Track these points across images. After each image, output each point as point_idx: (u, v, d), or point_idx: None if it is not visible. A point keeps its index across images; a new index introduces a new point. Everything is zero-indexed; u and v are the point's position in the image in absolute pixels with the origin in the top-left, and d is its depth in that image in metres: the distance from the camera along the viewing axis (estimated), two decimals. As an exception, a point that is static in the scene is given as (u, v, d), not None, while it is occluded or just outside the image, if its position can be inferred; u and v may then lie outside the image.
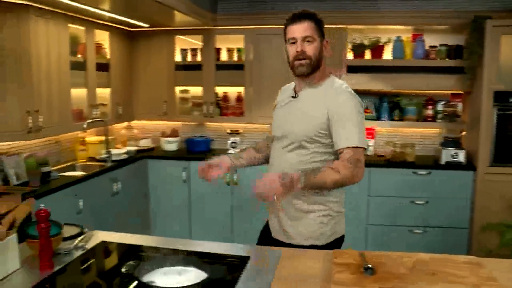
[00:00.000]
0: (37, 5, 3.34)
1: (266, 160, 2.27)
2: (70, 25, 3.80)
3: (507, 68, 4.01)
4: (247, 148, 2.38)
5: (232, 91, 4.92)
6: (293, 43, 1.98)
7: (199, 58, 4.86)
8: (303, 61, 1.97)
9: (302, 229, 2.06)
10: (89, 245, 1.85)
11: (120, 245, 1.91)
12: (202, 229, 4.65)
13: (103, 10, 3.75)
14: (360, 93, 4.59)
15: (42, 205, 1.59)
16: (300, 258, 1.81)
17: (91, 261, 1.76)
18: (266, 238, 2.20)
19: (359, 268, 1.63)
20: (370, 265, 1.62)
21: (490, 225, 4.05)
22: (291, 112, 2.07)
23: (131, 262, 1.65)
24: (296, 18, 1.98)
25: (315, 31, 1.98)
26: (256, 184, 1.79)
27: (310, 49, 1.96)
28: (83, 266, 1.71)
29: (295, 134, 2.02)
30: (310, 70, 1.99)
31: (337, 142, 1.95)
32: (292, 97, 2.10)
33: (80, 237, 1.91)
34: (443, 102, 4.55)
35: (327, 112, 1.95)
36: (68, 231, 1.95)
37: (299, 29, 1.96)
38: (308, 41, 1.96)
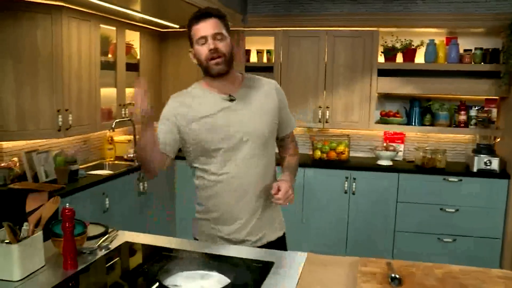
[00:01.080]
0: (70, 6, 3.39)
1: (156, 163, 1.92)
2: (101, 25, 3.85)
3: (545, 73, 3.87)
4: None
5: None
6: (203, 43, 1.81)
7: (228, 59, 4.85)
8: (218, 59, 1.81)
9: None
10: (113, 245, 1.85)
11: (143, 246, 1.90)
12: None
13: (134, 10, 3.78)
14: (391, 97, 4.63)
15: (68, 204, 1.59)
16: (324, 264, 1.77)
17: (114, 261, 1.75)
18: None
19: (385, 278, 1.58)
20: (397, 275, 1.56)
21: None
22: (240, 115, 1.88)
23: (154, 264, 1.63)
24: (201, 16, 1.81)
25: (224, 28, 1.84)
26: (279, 195, 1.79)
27: (223, 46, 1.81)
28: (106, 266, 1.70)
29: (258, 133, 1.89)
30: (227, 67, 1.85)
31: (287, 127, 2.07)
32: (230, 100, 1.88)
33: (104, 237, 1.91)
34: (477, 108, 4.42)
35: (278, 102, 1.98)
36: (93, 230, 1.95)
37: (208, 26, 1.80)
38: (219, 39, 1.81)
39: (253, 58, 4.85)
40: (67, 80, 3.44)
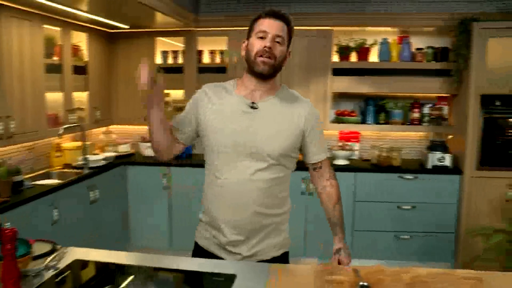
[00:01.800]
0: (9, 4, 3.17)
1: (163, 146, 1.93)
2: (45, 25, 3.63)
3: (494, 71, 3.96)
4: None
5: (215, 95, 4.76)
6: (262, 37, 1.77)
7: (180, 60, 4.73)
8: (268, 60, 1.77)
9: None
10: (62, 264, 1.70)
11: (95, 264, 1.77)
12: (183, 238, 4.48)
13: (81, 10, 3.59)
14: (346, 96, 4.63)
15: (8, 224, 1.45)
16: (291, 274, 1.70)
17: (63, 283, 1.61)
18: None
19: (354, 286, 1.52)
20: (366, 283, 1.51)
21: (476, 229, 4.00)
22: (256, 125, 1.81)
23: (107, 284, 1.51)
24: (274, 14, 1.79)
25: (287, 35, 1.82)
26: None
27: (279, 51, 1.78)
28: (55, 289, 1.57)
29: (268, 150, 1.80)
30: (271, 73, 1.81)
31: (316, 154, 1.94)
32: (252, 107, 1.83)
33: (52, 256, 1.76)
34: (429, 105, 4.49)
35: (303, 125, 1.87)
36: (39, 248, 1.80)
37: (274, 26, 1.77)
38: (278, 42, 1.78)
39: (206, 59, 4.73)
40: (8, 84, 3.22)
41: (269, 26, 1.77)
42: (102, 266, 1.74)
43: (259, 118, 1.82)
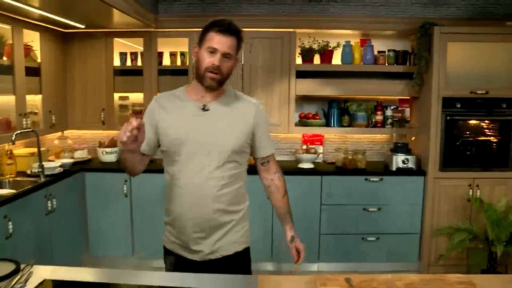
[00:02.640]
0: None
1: (137, 168, 1.95)
2: (-7, 23, 3.38)
3: (454, 74, 4.06)
4: None
5: (176, 98, 4.62)
6: (212, 52, 1.84)
7: (139, 62, 4.54)
8: (215, 76, 1.87)
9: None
10: (31, 286, 1.54)
11: (66, 284, 1.61)
12: (145, 246, 4.32)
13: (32, 6, 3.34)
14: (309, 98, 4.61)
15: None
16: (280, 284, 1.61)
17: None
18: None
19: (350, 296, 1.46)
20: (362, 292, 1.45)
21: (439, 229, 4.08)
22: (209, 125, 1.92)
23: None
24: (225, 30, 1.84)
25: (236, 49, 1.90)
26: (302, 259, 2.02)
27: (226, 66, 1.88)
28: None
29: (222, 147, 1.91)
30: (219, 86, 1.92)
31: (264, 150, 2.08)
32: (203, 109, 1.94)
33: (17, 277, 1.59)
34: (392, 108, 4.54)
35: (252, 122, 2.00)
36: (1, 268, 1.62)
37: (224, 43, 1.84)
38: (226, 57, 1.86)
39: (166, 61, 4.57)
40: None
41: (219, 43, 1.83)
42: (72, 286, 1.59)
43: (211, 119, 1.93)
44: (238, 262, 2.02)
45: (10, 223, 3.11)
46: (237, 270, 1.91)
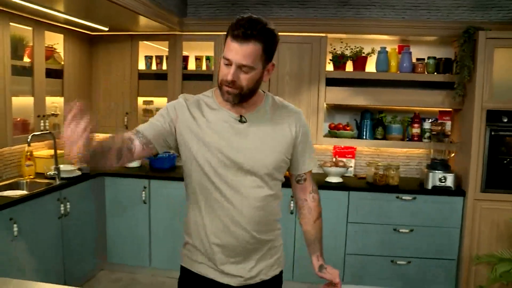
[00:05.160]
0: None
1: (115, 157, 1.55)
2: (13, 24, 3.36)
3: (500, 84, 3.66)
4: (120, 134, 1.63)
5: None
6: (227, 64, 1.57)
7: (164, 66, 4.43)
8: (231, 89, 1.58)
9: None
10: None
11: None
12: (163, 254, 4.19)
13: (58, 11, 3.33)
14: (340, 108, 4.32)
15: None
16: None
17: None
18: None
19: None
20: None
21: (480, 257, 3.68)
22: (247, 141, 1.66)
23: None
24: (241, 36, 1.51)
25: (258, 58, 1.56)
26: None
27: (244, 79, 1.57)
28: None
29: (261, 166, 1.67)
30: (238, 101, 1.62)
31: (301, 166, 1.83)
32: (240, 121, 1.67)
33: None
34: (431, 120, 4.17)
35: (294, 134, 1.76)
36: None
37: (239, 53, 1.53)
38: (244, 71, 1.56)
39: (191, 65, 4.44)
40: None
41: (234, 52, 1.53)
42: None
43: (250, 132, 1.67)
44: (274, 287, 1.85)
45: (15, 225, 3.05)
46: None
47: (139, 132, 1.64)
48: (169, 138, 1.68)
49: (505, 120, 3.65)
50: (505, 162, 3.72)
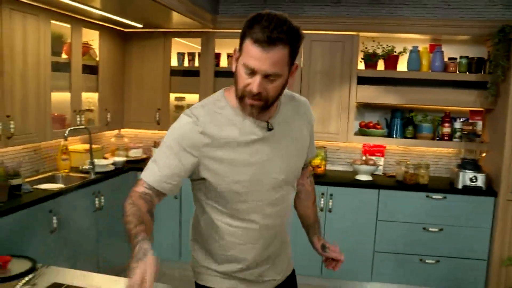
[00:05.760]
0: (13, -3, 2.99)
1: None
2: (53, 21, 3.44)
3: (535, 84, 3.63)
4: (139, 217, 1.47)
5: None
6: (249, 74, 1.35)
7: (196, 63, 4.49)
8: (256, 102, 1.39)
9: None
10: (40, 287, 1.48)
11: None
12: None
13: (93, 7, 3.40)
14: (371, 106, 4.33)
15: None
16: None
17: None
18: None
19: None
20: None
21: (510, 258, 3.66)
22: (278, 150, 1.53)
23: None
24: (268, 41, 1.30)
25: (285, 63, 1.37)
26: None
27: (271, 89, 1.38)
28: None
29: (293, 174, 1.62)
30: (263, 111, 1.44)
31: (308, 154, 1.74)
32: (268, 129, 1.49)
33: (28, 277, 1.54)
34: (462, 120, 4.16)
35: (308, 124, 1.68)
36: (17, 266, 1.59)
37: (267, 62, 1.32)
38: (271, 79, 1.36)
39: (223, 62, 4.49)
40: (8, 82, 3.01)
41: (259, 61, 1.31)
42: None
43: (275, 141, 1.52)
44: (294, 281, 1.84)
45: (54, 218, 3.15)
46: None
47: (150, 187, 1.51)
48: (186, 175, 1.52)
49: (539, 121, 3.63)
50: (537, 162, 3.71)
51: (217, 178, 1.48)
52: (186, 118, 1.47)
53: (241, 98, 1.40)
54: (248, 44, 1.32)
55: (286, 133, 1.55)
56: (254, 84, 1.34)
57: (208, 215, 1.59)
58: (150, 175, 1.49)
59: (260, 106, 1.40)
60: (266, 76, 1.34)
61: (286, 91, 1.54)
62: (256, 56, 1.31)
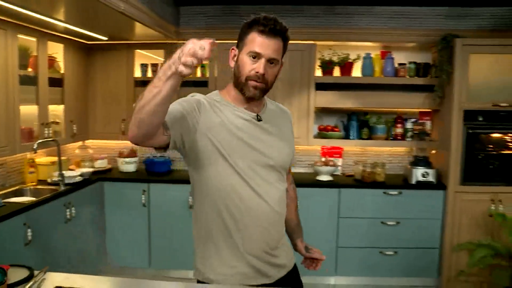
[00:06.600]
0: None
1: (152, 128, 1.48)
2: (20, 35, 3.47)
3: (476, 86, 4.00)
4: None
5: (195, 109, 4.66)
6: (255, 57, 1.60)
7: (160, 73, 4.58)
8: (259, 84, 1.62)
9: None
10: (45, 292, 1.56)
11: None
12: (162, 257, 4.33)
13: (59, 20, 3.44)
14: (328, 111, 4.59)
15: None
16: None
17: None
18: None
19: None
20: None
21: (460, 244, 3.99)
22: (268, 138, 1.72)
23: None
24: (270, 31, 1.59)
25: (280, 53, 1.66)
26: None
27: (271, 74, 1.64)
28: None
29: (281, 160, 1.75)
30: (262, 95, 1.69)
31: (293, 159, 1.91)
32: (257, 119, 1.71)
33: (30, 283, 1.61)
34: (413, 120, 4.49)
35: (292, 131, 1.90)
36: (14, 274, 1.64)
37: (270, 47, 1.60)
38: (271, 64, 1.62)
39: (187, 72, 4.60)
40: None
41: (264, 47, 1.59)
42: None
43: (266, 130, 1.73)
44: (296, 275, 1.93)
45: (29, 230, 3.16)
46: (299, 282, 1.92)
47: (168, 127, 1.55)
48: (187, 135, 1.59)
49: (481, 119, 4.00)
50: (480, 157, 4.06)
51: (213, 152, 1.62)
52: (195, 96, 1.69)
53: (245, 82, 1.63)
54: (254, 36, 1.60)
55: (273, 128, 1.75)
56: (260, 66, 1.59)
57: (211, 197, 1.68)
58: None
59: (262, 89, 1.64)
60: (269, 61, 1.60)
61: (269, 99, 1.84)
62: (261, 43, 1.59)
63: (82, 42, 4.42)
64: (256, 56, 1.60)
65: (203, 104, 1.65)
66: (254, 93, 1.63)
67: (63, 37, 4.07)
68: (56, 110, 4.17)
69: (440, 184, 4.17)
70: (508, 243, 3.66)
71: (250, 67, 1.61)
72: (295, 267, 1.90)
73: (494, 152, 4.07)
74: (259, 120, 1.72)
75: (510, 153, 4.06)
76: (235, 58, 1.67)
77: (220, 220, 1.67)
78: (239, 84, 1.65)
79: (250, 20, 1.64)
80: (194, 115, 1.60)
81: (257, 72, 1.60)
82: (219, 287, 1.66)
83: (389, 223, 4.18)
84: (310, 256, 1.94)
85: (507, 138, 4.06)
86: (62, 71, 4.15)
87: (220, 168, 1.64)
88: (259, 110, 1.75)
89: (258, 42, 1.59)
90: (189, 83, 4.51)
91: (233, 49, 1.70)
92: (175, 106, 1.57)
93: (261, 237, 1.69)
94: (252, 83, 1.62)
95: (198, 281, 1.75)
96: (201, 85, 4.46)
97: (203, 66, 4.54)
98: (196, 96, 1.69)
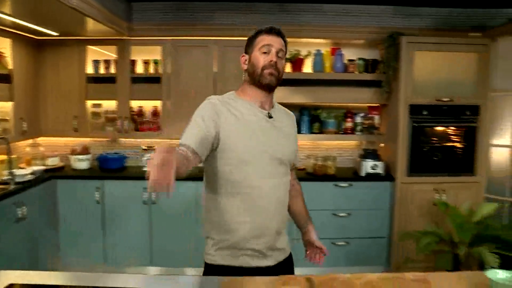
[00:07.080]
0: None
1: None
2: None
3: (420, 82, 4.19)
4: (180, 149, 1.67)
5: (148, 105, 4.69)
6: (266, 52, 1.87)
7: (112, 70, 4.56)
8: (274, 71, 1.88)
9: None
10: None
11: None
12: (118, 253, 4.32)
13: (4, 13, 3.37)
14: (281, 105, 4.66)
15: None
16: (242, 285, 1.66)
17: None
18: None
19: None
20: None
21: (407, 233, 4.17)
22: (278, 134, 1.94)
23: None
24: (274, 31, 1.90)
25: (285, 50, 1.95)
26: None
27: (281, 64, 1.91)
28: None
29: (289, 158, 1.97)
30: (276, 84, 1.92)
31: (296, 157, 2.10)
32: (269, 117, 1.93)
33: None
34: (362, 115, 4.65)
35: (296, 132, 2.09)
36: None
37: (276, 41, 1.89)
38: (279, 56, 1.90)
39: (139, 69, 4.61)
40: None
41: (272, 41, 1.88)
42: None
43: (276, 127, 1.94)
44: (290, 265, 2.22)
45: (-23, 230, 3.10)
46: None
47: (185, 145, 1.69)
48: (213, 142, 1.80)
49: (425, 113, 4.19)
50: (425, 149, 4.27)
51: (232, 148, 1.82)
52: (205, 101, 1.89)
53: (261, 72, 1.87)
54: (262, 36, 1.89)
55: (282, 125, 1.98)
56: (272, 55, 1.87)
57: (219, 182, 1.87)
58: (184, 139, 1.74)
59: (276, 76, 1.89)
60: (278, 52, 1.88)
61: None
62: (270, 39, 1.88)
63: (31, 37, 4.34)
64: (267, 50, 1.87)
65: (217, 105, 1.86)
66: (270, 79, 1.87)
67: (10, 31, 3.98)
68: (5, 107, 4.08)
69: (388, 176, 4.35)
70: (450, 230, 3.86)
71: (264, 59, 1.87)
72: (291, 255, 2.20)
73: (438, 145, 4.28)
74: (270, 117, 1.93)
75: (452, 145, 4.29)
76: (247, 62, 1.94)
77: (236, 205, 1.87)
78: (256, 77, 1.89)
79: (255, 31, 1.94)
80: (214, 124, 1.80)
81: (270, 61, 1.86)
82: (196, 279, 1.71)
83: (340, 214, 4.32)
84: (320, 245, 2.27)
85: (449, 131, 4.28)
86: (10, 67, 4.05)
87: (234, 162, 1.84)
88: (270, 108, 1.98)
89: (267, 38, 1.89)
90: (142, 79, 4.52)
91: (243, 55, 1.97)
92: (195, 131, 1.76)
93: (270, 219, 1.91)
94: (267, 71, 1.86)
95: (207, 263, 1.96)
96: (154, 81, 4.46)
97: (156, 62, 4.53)
98: (211, 100, 1.89)
